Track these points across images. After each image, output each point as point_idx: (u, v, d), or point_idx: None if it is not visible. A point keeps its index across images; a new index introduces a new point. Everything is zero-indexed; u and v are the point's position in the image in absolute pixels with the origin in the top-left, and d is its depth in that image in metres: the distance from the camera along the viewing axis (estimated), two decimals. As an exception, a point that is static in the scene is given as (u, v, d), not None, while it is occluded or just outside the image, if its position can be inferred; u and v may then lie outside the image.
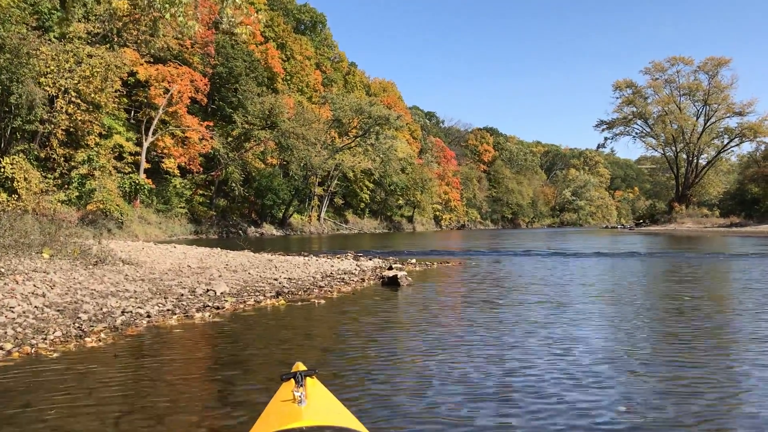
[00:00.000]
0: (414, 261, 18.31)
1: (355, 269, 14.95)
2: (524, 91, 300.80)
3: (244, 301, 9.44)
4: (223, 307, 8.87)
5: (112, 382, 4.98)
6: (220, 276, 12.19)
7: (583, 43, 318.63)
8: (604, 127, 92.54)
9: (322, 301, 9.67)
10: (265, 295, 10.08)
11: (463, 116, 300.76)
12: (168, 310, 8.44)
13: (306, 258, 17.48)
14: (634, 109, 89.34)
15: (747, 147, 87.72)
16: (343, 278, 13.06)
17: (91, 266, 11.29)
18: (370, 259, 18.44)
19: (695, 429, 3.90)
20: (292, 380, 2.99)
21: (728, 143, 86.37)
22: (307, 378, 3.06)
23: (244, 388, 4.79)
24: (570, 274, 15.30)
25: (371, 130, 62.04)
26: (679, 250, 27.20)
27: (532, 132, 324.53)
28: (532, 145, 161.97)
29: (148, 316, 7.93)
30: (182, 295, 9.70)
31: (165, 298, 9.30)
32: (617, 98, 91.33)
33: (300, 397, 2.76)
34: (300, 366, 3.46)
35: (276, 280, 12.12)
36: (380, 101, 69.85)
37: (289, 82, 65.84)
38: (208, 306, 8.87)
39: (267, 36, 62.85)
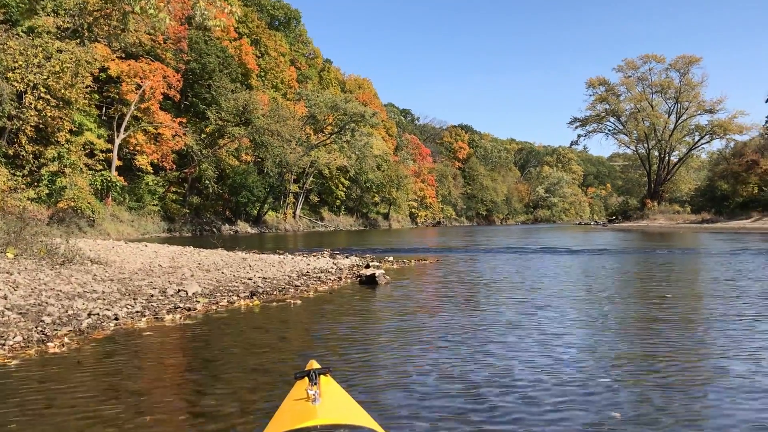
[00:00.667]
0: (391, 259, 18.11)
1: (332, 268, 14.70)
2: (498, 88, 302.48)
3: (217, 302, 9.14)
4: (195, 309, 8.56)
5: (73, 391, 4.67)
6: (192, 276, 11.86)
7: (558, 40, 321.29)
8: (578, 124, 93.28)
9: (298, 301, 9.40)
10: (238, 296, 9.79)
11: (438, 114, 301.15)
12: (137, 311, 8.12)
13: (281, 256, 17.18)
14: (607, 107, 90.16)
15: (717, 144, 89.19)
16: (320, 277, 12.80)
17: (57, 266, 10.89)
18: (347, 257, 18.19)
19: (675, 426, 3.75)
20: (306, 378, 2.98)
21: (699, 140, 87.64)
22: (321, 376, 3.02)
23: (215, 397, 4.50)
24: (546, 270, 15.24)
25: (347, 127, 61.76)
26: (653, 247, 27.39)
27: (507, 129, 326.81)
28: (506, 143, 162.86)
29: (116, 319, 7.60)
30: (152, 295, 9.36)
31: (134, 299, 8.97)
32: (590, 96, 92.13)
33: (314, 395, 2.74)
34: (314, 364, 3.39)
35: (250, 279, 11.82)
36: (355, 98, 69.55)
37: (264, 78, 65.25)
38: (179, 307, 8.56)
39: (241, 32, 62.16)
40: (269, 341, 6.51)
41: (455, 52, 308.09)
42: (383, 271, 12.56)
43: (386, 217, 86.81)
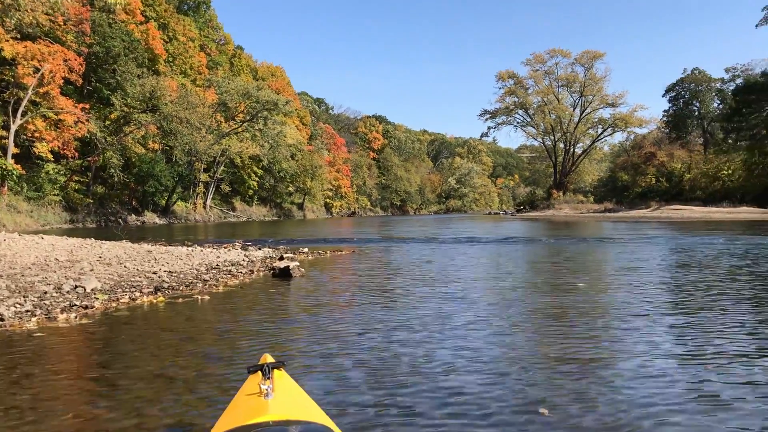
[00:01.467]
0: (306, 250, 17.72)
1: (244, 260, 14.17)
2: (412, 80, 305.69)
3: (118, 299, 8.52)
4: (93, 306, 7.93)
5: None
6: (91, 270, 11.07)
7: (469, 33, 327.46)
8: (488, 116, 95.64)
9: (207, 297, 8.89)
10: (142, 291, 9.17)
11: (353, 103, 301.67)
12: (27, 311, 7.42)
13: (190, 248, 16.44)
14: (516, 100, 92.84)
15: (618, 137, 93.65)
16: (230, 270, 12.27)
17: (-65, 262, 9.90)
18: (260, 249, 17.65)
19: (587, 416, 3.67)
20: (259, 372, 2.93)
21: (602, 133, 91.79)
22: (275, 370, 2.98)
23: (109, 408, 4.01)
24: (460, 260, 15.31)
25: (259, 115, 60.62)
26: (561, 236, 28.26)
27: (420, 121, 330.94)
28: (419, 134, 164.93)
29: (1, 320, 6.91)
30: (46, 292, 8.62)
31: (24, 296, 8.22)
32: (500, 88, 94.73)
33: (267, 390, 2.67)
34: (267, 358, 3.28)
35: (155, 273, 11.16)
36: (268, 86, 68.27)
37: (172, 64, 62.96)
38: (76, 305, 7.90)
39: (148, 15, 59.65)
40: (173, 342, 6.04)
41: (369, 42, 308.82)
42: (297, 263, 12.19)
43: (301, 207, 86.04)
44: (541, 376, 4.75)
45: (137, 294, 8.95)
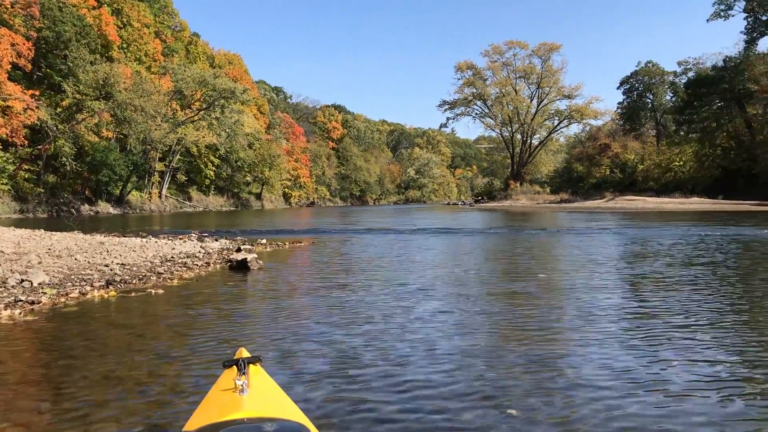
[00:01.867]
0: (264, 241, 17.44)
1: (200, 252, 13.82)
2: (371, 69, 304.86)
3: (67, 293, 8.17)
4: (40, 302, 7.58)
5: None
6: (39, 263, 10.63)
7: (429, 23, 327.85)
8: (447, 107, 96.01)
9: (160, 291, 8.61)
10: (92, 285, 8.83)
11: (312, 93, 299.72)
12: (-33, 307, 7.06)
13: (144, 239, 15.99)
14: (474, 90, 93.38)
15: (574, 128, 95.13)
16: (186, 262, 11.94)
17: None
18: (216, 240, 17.28)
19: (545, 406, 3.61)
20: (234, 367, 2.84)
21: (558, 124, 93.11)
22: (251, 365, 2.91)
23: (53, 414, 3.76)
24: (420, 251, 15.28)
25: (216, 103, 59.64)
26: (520, 227, 28.51)
27: (379, 111, 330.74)
28: (379, 124, 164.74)
29: (-61, 317, 6.55)
30: (-12, 288, 8.23)
31: (-35, 292, 7.83)
32: (459, 79, 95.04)
33: (242, 386, 2.61)
34: (243, 352, 3.18)
35: (107, 266, 10.78)
36: (225, 74, 67.16)
37: (126, 50, 61.42)
38: (21, 300, 7.54)
39: (100, 0, 57.93)
40: (124, 340, 5.78)
41: (328, 31, 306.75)
42: (255, 256, 11.95)
43: (259, 197, 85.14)
44: (500, 369, 4.70)
45: (88, 288, 8.61)
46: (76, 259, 11.50)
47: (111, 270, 10.41)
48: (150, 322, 6.62)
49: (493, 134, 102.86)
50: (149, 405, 3.92)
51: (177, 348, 5.46)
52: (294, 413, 2.65)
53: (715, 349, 5.29)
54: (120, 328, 6.26)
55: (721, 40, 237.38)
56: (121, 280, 9.44)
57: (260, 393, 2.69)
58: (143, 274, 10.21)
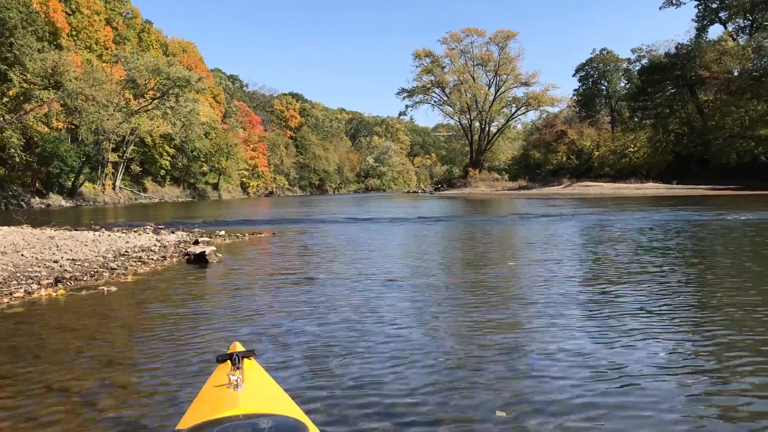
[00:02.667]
0: (223, 233, 16.96)
1: (155, 245, 13.31)
2: (328, 57, 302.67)
3: (11, 293, 7.68)
4: (-19, 303, 7.10)
5: None
6: (-18, 261, 10.05)
7: (387, 10, 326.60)
8: (405, 95, 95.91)
9: (114, 288, 8.16)
10: (40, 283, 8.33)
11: (268, 81, 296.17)
12: None
13: (97, 233, 15.35)
14: (433, 78, 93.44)
15: (531, 115, 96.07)
16: (141, 257, 11.46)
17: None
18: (173, 233, 16.72)
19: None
20: (228, 362, 2.77)
21: (516, 111, 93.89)
22: (245, 360, 2.82)
23: (-7, 428, 3.45)
24: (382, 240, 15.10)
25: (170, 92, 58.26)
26: (480, 214, 28.55)
27: (337, 99, 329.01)
28: (337, 112, 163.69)
29: None
30: (-75, 289, 7.68)
31: None
32: (417, 67, 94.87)
33: (236, 381, 2.53)
34: (237, 346, 3.07)
35: (56, 262, 10.24)
36: (179, 62, 65.60)
37: (76, 38, 59.53)
38: (-40, 302, 7.05)
39: (47, -14, 55.90)
40: (73, 344, 5.35)
41: (285, 18, 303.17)
42: (214, 248, 11.53)
43: (216, 187, 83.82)
44: (463, 359, 4.59)
45: (34, 287, 8.11)
46: (22, 255, 10.91)
47: (60, 266, 9.88)
48: (102, 323, 6.21)
49: (452, 122, 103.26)
50: (99, 419, 3.56)
51: (130, 353, 5.09)
52: (291, 409, 2.57)
53: (674, 332, 5.35)
54: (68, 332, 5.83)
55: (674, 28, 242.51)
56: (71, 277, 8.95)
57: (255, 388, 2.62)
58: (95, 270, 9.72)
